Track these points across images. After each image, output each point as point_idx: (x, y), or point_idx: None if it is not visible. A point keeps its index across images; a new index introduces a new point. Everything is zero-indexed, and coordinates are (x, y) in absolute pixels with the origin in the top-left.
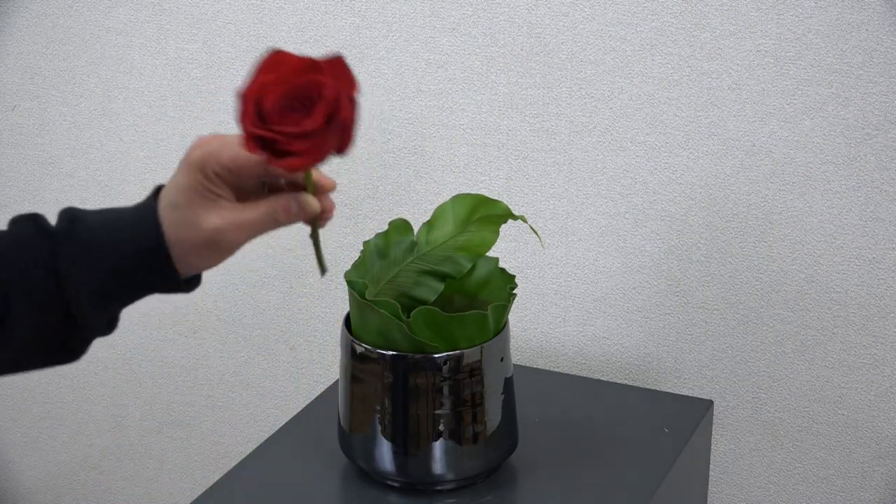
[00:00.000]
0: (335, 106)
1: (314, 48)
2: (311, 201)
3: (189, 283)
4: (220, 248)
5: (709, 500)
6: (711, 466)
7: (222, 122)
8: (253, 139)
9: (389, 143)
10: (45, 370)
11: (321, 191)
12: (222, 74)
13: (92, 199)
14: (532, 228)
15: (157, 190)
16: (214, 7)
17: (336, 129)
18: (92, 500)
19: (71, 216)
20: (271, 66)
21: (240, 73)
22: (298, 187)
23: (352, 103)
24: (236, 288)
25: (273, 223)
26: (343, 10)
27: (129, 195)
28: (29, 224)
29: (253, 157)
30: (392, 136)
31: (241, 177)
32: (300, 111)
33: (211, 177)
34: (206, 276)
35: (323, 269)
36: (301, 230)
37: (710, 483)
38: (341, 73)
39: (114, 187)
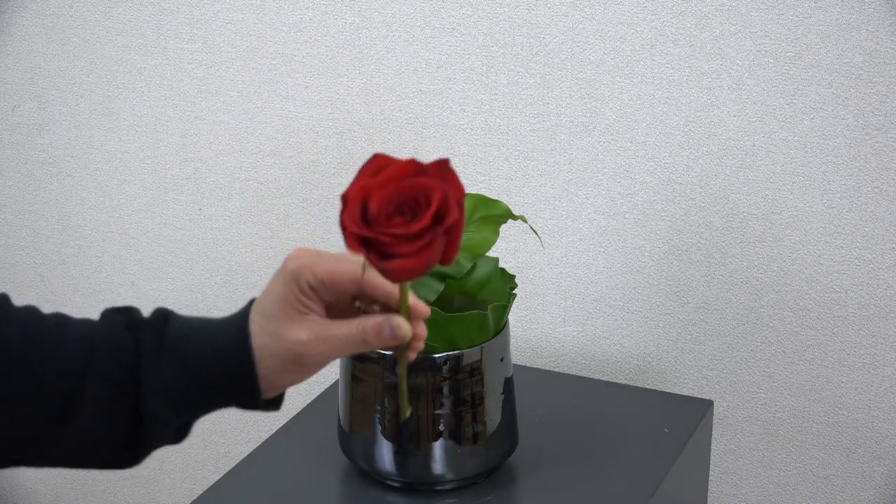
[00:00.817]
0: (444, 209)
1: (314, 48)
2: (404, 325)
3: (269, 404)
4: (303, 363)
5: (709, 500)
6: (711, 466)
7: (222, 121)
8: (357, 241)
9: (389, 143)
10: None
11: (415, 315)
12: (222, 74)
13: (92, 199)
14: (532, 228)
15: (251, 302)
16: (214, 7)
17: (442, 234)
18: (92, 500)
19: (164, 315)
20: (375, 170)
21: (240, 73)
22: (391, 310)
23: (460, 208)
24: (236, 288)
25: (362, 343)
26: (343, 10)
27: (129, 195)
28: (121, 317)
29: (349, 273)
30: (392, 136)
31: (335, 291)
32: (406, 214)
33: (305, 289)
34: (207, 276)
35: (405, 409)
36: (302, 231)
37: (710, 483)
38: (448, 176)
39: (114, 187)
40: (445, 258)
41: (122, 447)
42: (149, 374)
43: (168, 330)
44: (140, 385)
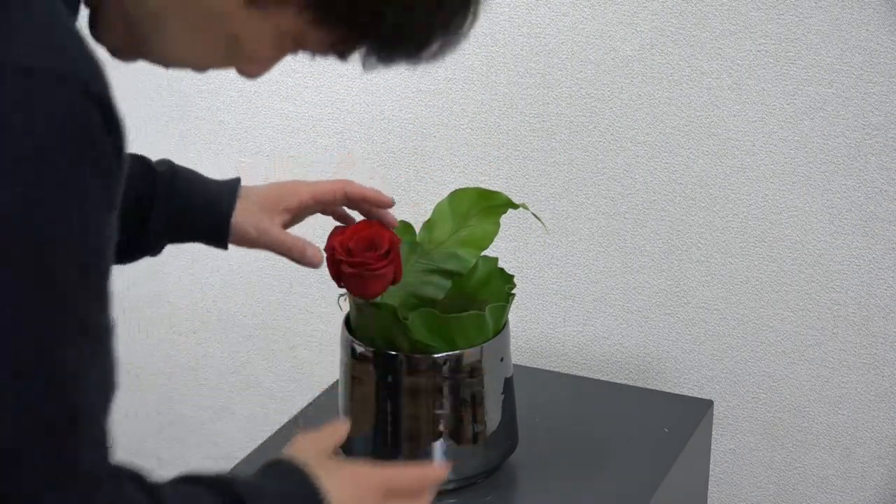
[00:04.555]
0: (392, 243)
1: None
2: (320, 257)
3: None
4: (252, 243)
5: (709, 500)
6: (711, 466)
7: (223, 121)
8: (344, 269)
9: (389, 143)
10: None
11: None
12: (222, 74)
13: None
14: (535, 215)
15: (238, 181)
16: None
17: (395, 259)
18: None
19: (172, 171)
20: (340, 231)
21: None
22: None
23: (399, 243)
24: (236, 288)
25: (287, 252)
26: None
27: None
28: (139, 163)
29: (322, 195)
30: (392, 136)
31: (306, 211)
32: (373, 250)
33: (288, 207)
34: (206, 277)
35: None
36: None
37: (710, 483)
38: (386, 230)
39: None
40: (395, 278)
41: (123, 251)
42: (157, 211)
43: (177, 185)
44: (150, 212)
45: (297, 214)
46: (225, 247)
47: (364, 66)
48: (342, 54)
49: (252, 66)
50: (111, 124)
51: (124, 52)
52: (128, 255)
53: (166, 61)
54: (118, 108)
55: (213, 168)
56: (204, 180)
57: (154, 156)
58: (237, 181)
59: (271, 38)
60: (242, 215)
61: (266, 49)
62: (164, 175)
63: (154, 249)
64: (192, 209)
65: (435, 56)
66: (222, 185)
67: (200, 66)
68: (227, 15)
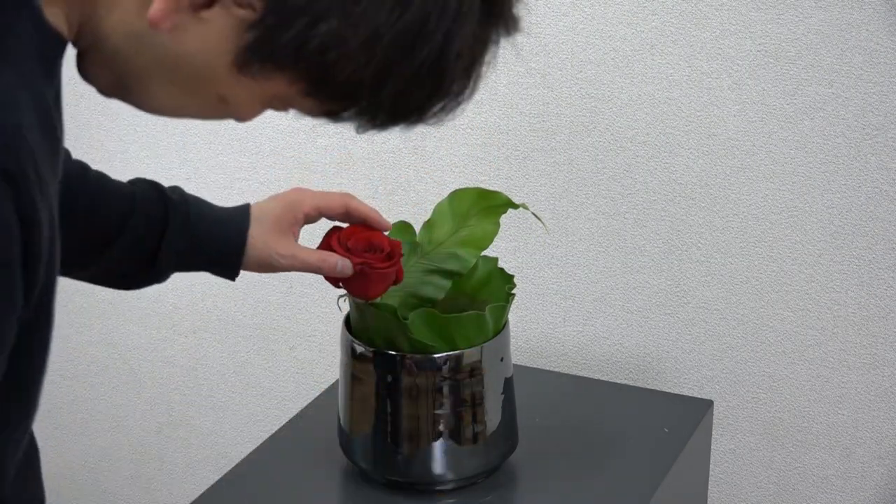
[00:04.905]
0: (394, 247)
1: None
2: (348, 268)
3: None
4: (272, 267)
5: (709, 500)
6: (711, 466)
7: (222, 121)
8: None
9: (389, 143)
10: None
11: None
12: None
13: None
14: (535, 215)
15: (248, 206)
16: None
17: (396, 262)
18: (92, 500)
19: (184, 198)
20: (336, 230)
21: None
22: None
23: (399, 246)
24: (236, 288)
25: (316, 269)
26: None
27: None
28: (153, 191)
29: (330, 207)
30: (392, 136)
31: (315, 218)
32: (373, 251)
33: (299, 217)
34: (206, 277)
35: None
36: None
37: (710, 483)
38: (385, 236)
39: None
40: (397, 278)
41: (132, 278)
42: (169, 239)
43: (190, 211)
44: (160, 245)
45: (303, 225)
46: (233, 277)
47: (357, 130)
48: (335, 119)
49: (241, 118)
50: (21, 201)
51: (112, 96)
52: (135, 282)
53: (154, 112)
54: (34, 181)
55: (214, 168)
56: (214, 209)
57: (155, 157)
58: (247, 208)
59: (261, 101)
60: (263, 244)
61: (255, 109)
62: (177, 204)
63: (162, 277)
64: (205, 239)
65: (434, 122)
66: (233, 213)
67: (189, 118)
68: (215, 78)
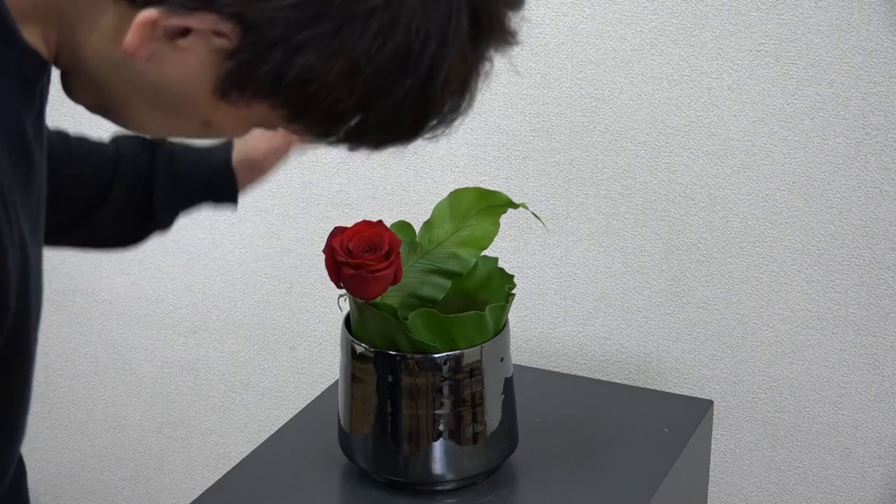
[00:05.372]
0: (392, 244)
1: None
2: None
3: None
4: (259, 167)
5: (709, 500)
6: (711, 466)
7: None
8: (345, 271)
9: None
10: (45, 371)
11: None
12: None
13: None
14: (535, 215)
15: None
16: None
17: (395, 260)
18: (92, 500)
19: (170, 147)
20: (340, 231)
21: None
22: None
23: (399, 244)
24: (236, 288)
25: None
26: None
27: None
28: (136, 140)
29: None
30: None
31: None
32: (373, 251)
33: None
34: (206, 277)
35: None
36: (302, 231)
37: (710, 483)
38: (386, 229)
39: None
40: (396, 278)
41: (131, 230)
42: (159, 182)
43: (175, 150)
44: (152, 191)
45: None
46: (234, 198)
47: (350, 150)
48: (325, 139)
49: (229, 138)
50: None
51: (99, 115)
52: (136, 233)
53: (141, 132)
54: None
55: None
56: (196, 147)
57: None
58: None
59: (245, 125)
60: (245, 151)
61: (241, 131)
62: (160, 148)
63: (164, 220)
64: (193, 169)
65: (431, 138)
66: (215, 145)
67: (176, 137)
68: (197, 104)
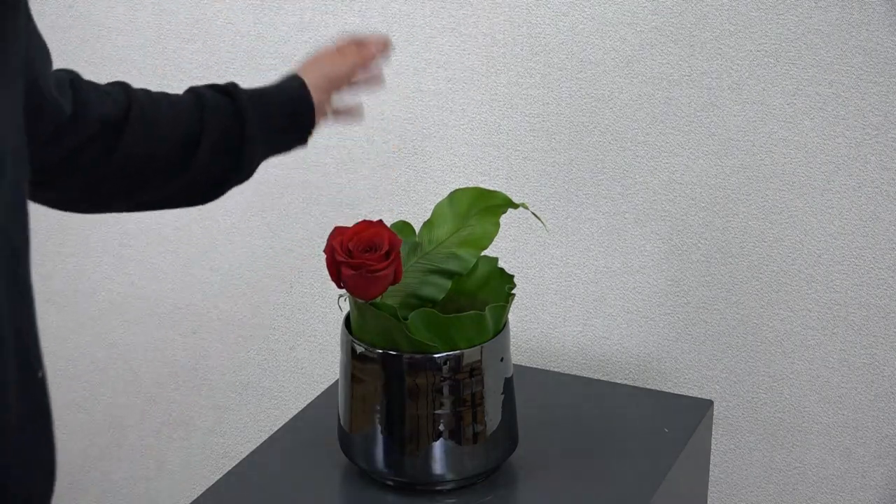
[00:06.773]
0: (392, 244)
1: (314, 48)
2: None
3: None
4: (335, 85)
5: (709, 500)
6: (711, 466)
7: None
8: (344, 271)
9: (389, 144)
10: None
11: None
12: (222, 74)
13: None
14: (535, 215)
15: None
16: (214, 7)
17: (395, 260)
18: (92, 500)
19: (240, 91)
20: (340, 231)
21: (240, 72)
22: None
23: (399, 244)
24: (236, 288)
25: (360, 66)
26: (343, 10)
27: None
28: (212, 90)
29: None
30: (392, 136)
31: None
32: (373, 251)
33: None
34: (206, 277)
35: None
36: (302, 231)
37: (710, 483)
38: (386, 229)
39: None
40: (396, 278)
41: (216, 184)
42: (249, 132)
43: (255, 101)
44: (243, 140)
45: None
46: (311, 126)
47: None
48: None
49: None
50: None
51: None
52: (223, 187)
53: None
54: None
55: None
56: (267, 88)
57: None
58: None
59: None
60: (314, 74)
61: None
62: (238, 89)
63: (251, 164)
64: (275, 99)
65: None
66: (283, 79)
67: None
68: None
